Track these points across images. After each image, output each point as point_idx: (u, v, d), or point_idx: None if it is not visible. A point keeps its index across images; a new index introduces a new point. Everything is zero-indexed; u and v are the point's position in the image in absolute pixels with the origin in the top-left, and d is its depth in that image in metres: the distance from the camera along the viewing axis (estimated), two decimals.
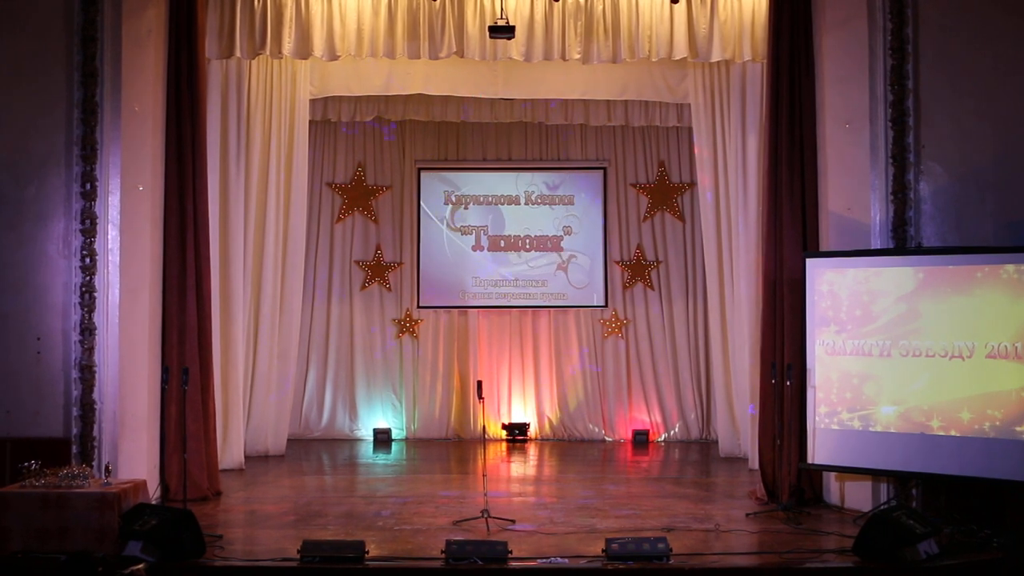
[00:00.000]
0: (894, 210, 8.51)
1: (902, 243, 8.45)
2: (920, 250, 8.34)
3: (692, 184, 12.74)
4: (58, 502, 7.16)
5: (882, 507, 8.08)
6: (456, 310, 13.03)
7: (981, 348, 7.82)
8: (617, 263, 13.04)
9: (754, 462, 9.77)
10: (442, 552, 6.92)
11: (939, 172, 8.49)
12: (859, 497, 8.57)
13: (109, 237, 8.57)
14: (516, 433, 12.66)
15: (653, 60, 9.64)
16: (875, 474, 8.39)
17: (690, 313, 12.91)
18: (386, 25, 9.36)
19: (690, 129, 11.64)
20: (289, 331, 11.50)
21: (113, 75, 8.59)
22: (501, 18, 9.14)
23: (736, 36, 9.41)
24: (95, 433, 8.43)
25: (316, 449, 12.10)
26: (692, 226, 12.86)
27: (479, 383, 9.10)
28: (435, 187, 13.08)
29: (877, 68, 8.59)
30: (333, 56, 9.43)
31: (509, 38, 9.18)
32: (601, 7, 9.36)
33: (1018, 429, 7.65)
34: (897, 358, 8.16)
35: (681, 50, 9.37)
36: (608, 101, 12.26)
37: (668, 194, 13.04)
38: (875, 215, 8.57)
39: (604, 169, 13.10)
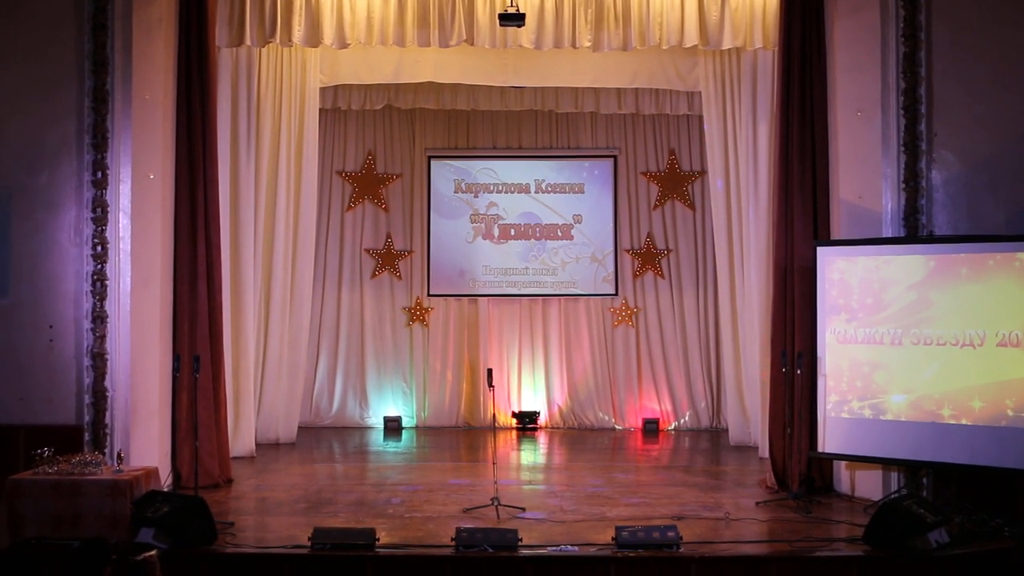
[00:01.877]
0: (906, 198, 8.47)
1: (913, 231, 8.42)
2: (931, 238, 8.31)
3: (703, 172, 12.71)
4: (71, 489, 7.20)
5: (892, 496, 8.07)
6: (466, 298, 13.04)
7: (992, 336, 7.79)
8: (627, 251, 13.02)
9: (764, 451, 9.76)
10: (452, 540, 6.94)
11: (951, 160, 8.45)
12: (869, 486, 8.57)
13: (120, 225, 8.59)
14: (526, 421, 12.67)
15: (664, 48, 9.60)
16: (886, 463, 8.38)
17: (700, 301, 12.89)
18: (396, 13, 9.35)
19: (701, 117, 11.61)
20: (299, 319, 11.52)
21: (124, 63, 8.60)
22: (511, 6, 9.11)
23: (747, 24, 9.37)
24: (107, 420, 8.47)
25: (326, 437, 12.14)
26: (702, 214, 12.84)
27: (489, 371, 9.11)
28: (445, 175, 13.07)
29: (889, 56, 8.54)
30: (343, 44, 9.42)
31: (519, 26, 9.16)
32: None
33: None
34: (908, 346, 8.14)
35: (692, 38, 9.34)
36: (618, 89, 12.23)
37: (678, 182, 13.01)
38: (886, 203, 8.54)
39: (614, 157, 13.07)
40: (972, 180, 8.41)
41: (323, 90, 11.55)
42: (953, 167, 8.45)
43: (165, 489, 8.23)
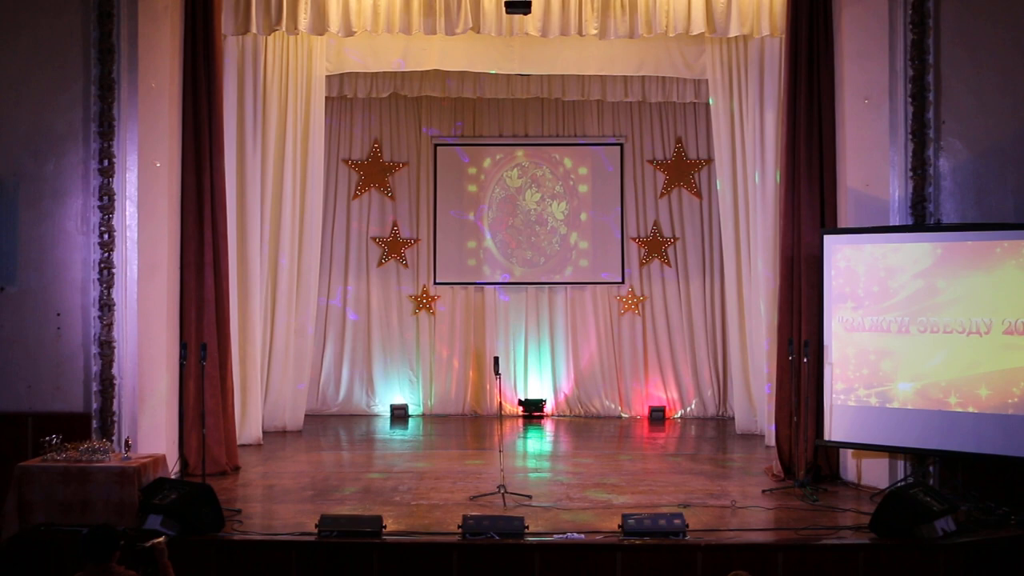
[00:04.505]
0: (913, 186, 8.45)
1: (921, 220, 8.40)
2: (939, 227, 8.29)
3: (709, 160, 12.69)
4: (79, 476, 7.23)
5: (899, 484, 8.07)
6: (472, 286, 13.05)
7: (999, 324, 7.78)
8: (634, 240, 13.01)
9: (770, 439, 9.77)
10: (459, 527, 6.96)
11: (959, 148, 8.42)
12: (876, 474, 8.57)
13: (127, 213, 8.60)
14: (532, 409, 12.69)
15: (670, 35, 9.58)
16: (892, 451, 8.38)
17: (707, 290, 12.89)
18: (402, 0, 9.33)
19: (707, 105, 11.59)
20: (306, 307, 11.54)
21: (130, 51, 8.60)
22: None
23: (754, 11, 9.34)
24: (115, 408, 8.49)
25: (333, 425, 12.17)
26: (709, 202, 12.83)
27: (495, 359, 9.12)
28: (452, 163, 13.06)
29: (897, 43, 8.50)
30: (349, 32, 9.41)
31: (525, 13, 9.14)
32: None
33: None
34: (915, 334, 8.13)
35: (699, 25, 9.31)
36: (625, 77, 12.20)
37: (685, 170, 12.99)
38: (894, 191, 8.52)
39: (621, 145, 13.05)
40: (980, 168, 8.38)
41: (329, 78, 11.54)
42: (961, 155, 8.42)
43: (172, 476, 8.26)
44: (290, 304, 11.37)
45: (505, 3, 9.08)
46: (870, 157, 8.65)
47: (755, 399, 11.22)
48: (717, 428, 12.04)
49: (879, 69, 8.58)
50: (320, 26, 9.36)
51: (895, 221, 8.48)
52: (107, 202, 8.54)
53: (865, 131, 8.69)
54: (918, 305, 8.12)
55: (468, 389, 12.97)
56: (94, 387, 8.49)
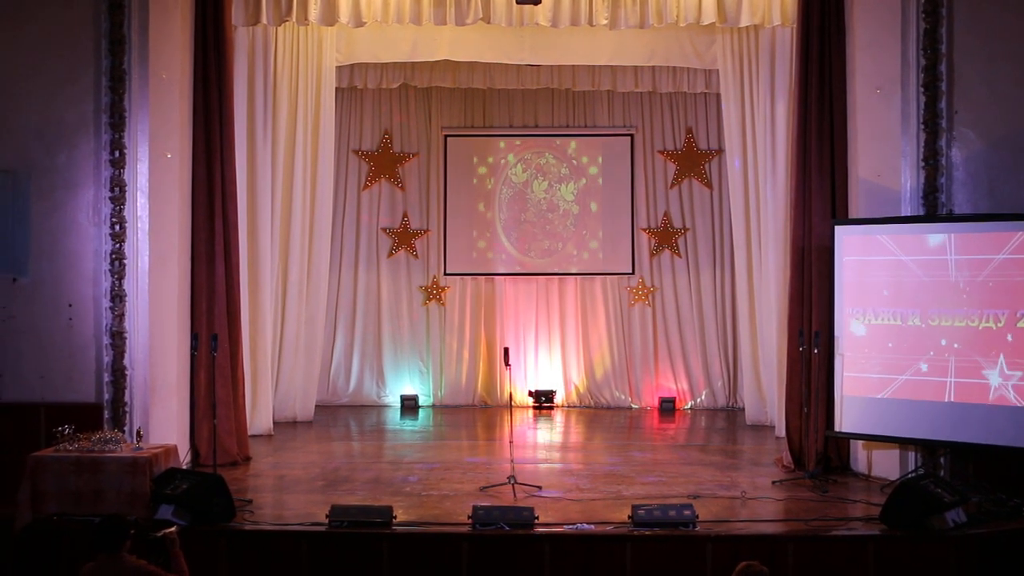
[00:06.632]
0: (925, 176, 8.41)
1: (933, 210, 8.36)
2: (951, 217, 8.26)
3: (720, 151, 12.65)
4: (92, 466, 7.26)
5: (910, 475, 8.05)
6: (483, 277, 13.05)
7: (1012, 316, 7.75)
8: (644, 230, 12.99)
9: (781, 430, 9.76)
10: (469, 517, 6.97)
11: (972, 138, 8.38)
12: (886, 465, 8.55)
13: (138, 204, 8.62)
14: (542, 400, 12.69)
15: (681, 25, 9.56)
16: (903, 442, 8.35)
17: (717, 280, 12.86)
18: None
19: (718, 95, 11.55)
20: (316, 298, 11.57)
21: (140, 43, 8.60)
22: None
23: (765, 0, 9.29)
24: (126, 399, 8.52)
25: (343, 415, 12.19)
26: (720, 193, 12.79)
27: (506, 350, 9.11)
28: (462, 153, 13.05)
29: (909, 32, 8.45)
30: (359, 22, 9.41)
31: (536, 3, 9.11)
32: None
33: None
34: (926, 324, 8.10)
35: (709, 15, 9.28)
36: (635, 67, 12.18)
37: (695, 161, 12.95)
38: (905, 182, 8.48)
39: (631, 135, 13.02)
40: (993, 158, 8.33)
41: (339, 69, 11.54)
42: (974, 145, 8.37)
43: (184, 467, 8.29)
44: (301, 295, 11.39)
45: None
46: (882, 147, 8.61)
47: (765, 390, 11.21)
48: (727, 419, 12.02)
49: (891, 58, 8.54)
50: (330, 17, 9.35)
51: (907, 211, 8.44)
52: (118, 193, 8.56)
53: (877, 121, 8.64)
54: (930, 295, 8.09)
55: (478, 380, 12.98)
56: (106, 377, 8.52)
